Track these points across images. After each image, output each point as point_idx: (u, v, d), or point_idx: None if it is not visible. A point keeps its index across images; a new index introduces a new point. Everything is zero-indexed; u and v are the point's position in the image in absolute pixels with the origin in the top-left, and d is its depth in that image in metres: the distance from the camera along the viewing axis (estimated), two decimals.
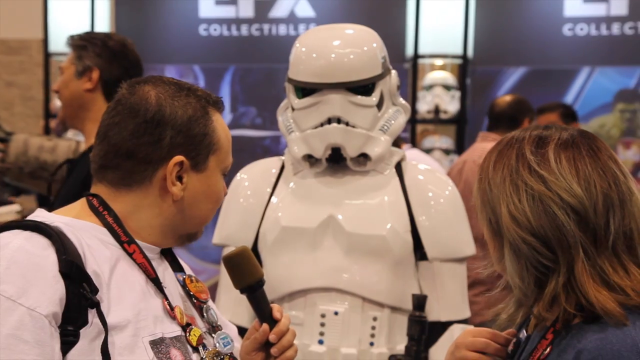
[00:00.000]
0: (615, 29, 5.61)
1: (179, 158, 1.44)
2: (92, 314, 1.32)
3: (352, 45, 2.27)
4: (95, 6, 5.95)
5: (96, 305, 1.33)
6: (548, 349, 1.33)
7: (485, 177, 1.39)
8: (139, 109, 1.43)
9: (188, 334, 1.44)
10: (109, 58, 2.65)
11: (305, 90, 2.28)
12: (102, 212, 1.45)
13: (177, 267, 1.54)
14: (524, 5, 5.73)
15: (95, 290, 1.33)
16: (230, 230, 2.40)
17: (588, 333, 1.29)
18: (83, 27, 5.91)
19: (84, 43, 2.67)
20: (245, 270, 1.50)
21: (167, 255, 1.54)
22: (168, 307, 1.44)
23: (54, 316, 1.30)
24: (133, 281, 1.41)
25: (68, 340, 1.30)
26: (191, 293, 1.52)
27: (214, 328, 1.52)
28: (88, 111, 2.63)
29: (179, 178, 1.45)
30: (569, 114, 4.91)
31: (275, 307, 1.53)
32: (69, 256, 1.33)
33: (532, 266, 1.33)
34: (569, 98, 5.69)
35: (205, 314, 1.52)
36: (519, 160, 1.35)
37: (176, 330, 1.43)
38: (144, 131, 1.42)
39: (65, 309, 1.31)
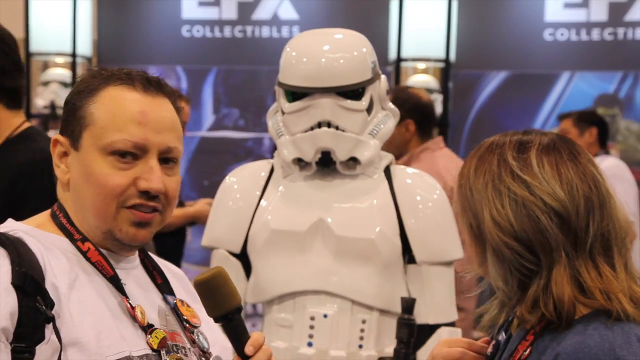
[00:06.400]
0: (595, 34, 5.67)
1: (56, 136, 1.38)
2: (49, 330, 1.24)
3: (343, 50, 2.28)
4: (77, 5, 5.91)
5: (51, 320, 1.24)
6: (528, 351, 1.35)
7: (466, 183, 1.40)
8: None
9: (149, 336, 1.35)
10: (3, 51, 2.35)
11: (295, 94, 2.29)
12: (59, 215, 1.39)
13: (167, 290, 1.47)
14: (505, 10, 5.78)
15: (51, 304, 1.25)
16: (219, 233, 2.41)
17: (567, 336, 1.31)
18: (65, 26, 5.88)
19: None
20: (221, 296, 1.31)
21: (159, 277, 1.48)
22: (128, 305, 1.35)
23: (4, 331, 1.21)
24: (97, 296, 1.33)
25: (23, 357, 1.22)
26: (184, 317, 1.44)
27: (204, 354, 1.44)
28: None
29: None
30: (582, 119, 4.81)
31: (252, 338, 1.33)
32: (23, 267, 1.25)
33: (515, 269, 1.34)
34: (549, 102, 5.74)
35: (196, 339, 1.44)
36: (501, 165, 1.36)
37: (145, 348, 1.35)
38: None
39: (18, 324, 1.22)
